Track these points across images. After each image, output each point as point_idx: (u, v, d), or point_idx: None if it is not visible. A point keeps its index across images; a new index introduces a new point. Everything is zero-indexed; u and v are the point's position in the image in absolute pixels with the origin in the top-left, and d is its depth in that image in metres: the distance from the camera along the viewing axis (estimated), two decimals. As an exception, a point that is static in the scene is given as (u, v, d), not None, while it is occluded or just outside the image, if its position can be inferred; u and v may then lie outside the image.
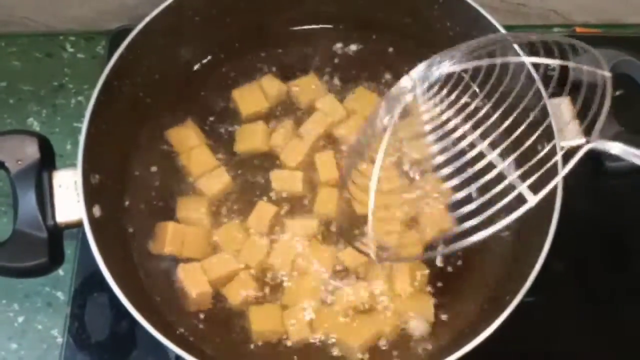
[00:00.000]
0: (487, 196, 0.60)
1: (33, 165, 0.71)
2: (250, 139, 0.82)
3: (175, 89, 0.85)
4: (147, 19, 0.78)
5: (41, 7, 0.94)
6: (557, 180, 0.59)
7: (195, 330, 0.75)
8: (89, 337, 0.79)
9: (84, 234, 0.70)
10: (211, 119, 0.84)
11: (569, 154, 0.58)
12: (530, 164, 0.62)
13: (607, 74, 0.61)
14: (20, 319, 0.82)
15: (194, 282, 0.75)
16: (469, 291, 0.76)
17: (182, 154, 0.82)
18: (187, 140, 0.82)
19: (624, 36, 0.99)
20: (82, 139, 0.72)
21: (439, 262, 0.77)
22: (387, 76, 0.86)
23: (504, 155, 0.62)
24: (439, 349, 0.73)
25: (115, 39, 0.91)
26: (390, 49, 0.88)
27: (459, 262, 0.78)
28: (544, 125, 0.74)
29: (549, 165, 0.60)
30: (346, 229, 0.75)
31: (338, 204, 0.75)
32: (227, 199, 0.80)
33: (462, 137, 0.63)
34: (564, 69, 0.77)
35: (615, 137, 0.73)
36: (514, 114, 0.64)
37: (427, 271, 0.77)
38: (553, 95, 0.76)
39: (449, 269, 0.77)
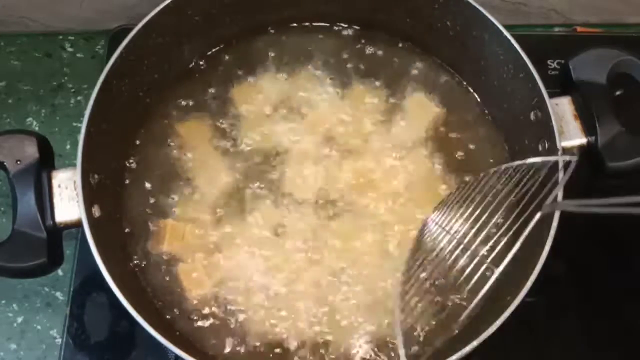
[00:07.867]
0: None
1: (32, 165, 0.71)
2: (257, 139, 0.82)
3: (175, 88, 0.85)
4: (147, 18, 0.78)
5: (40, 7, 0.94)
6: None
7: (195, 330, 0.74)
8: (88, 338, 0.79)
9: (83, 234, 0.69)
10: (211, 117, 0.84)
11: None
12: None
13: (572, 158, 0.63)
14: (20, 320, 0.82)
15: (194, 283, 0.75)
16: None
17: (184, 152, 0.82)
18: (192, 137, 0.82)
19: (625, 35, 0.99)
20: (81, 138, 0.72)
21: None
22: (387, 76, 0.86)
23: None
24: (440, 350, 0.73)
25: (114, 38, 0.92)
26: (390, 49, 0.88)
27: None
28: (544, 125, 0.74)
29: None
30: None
31: None
32: (228, 198, 0.80)
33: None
34: (564, 68, 0.78)
35: (616, 138, 0.74)
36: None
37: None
38: (553, 95, 0.76)
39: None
